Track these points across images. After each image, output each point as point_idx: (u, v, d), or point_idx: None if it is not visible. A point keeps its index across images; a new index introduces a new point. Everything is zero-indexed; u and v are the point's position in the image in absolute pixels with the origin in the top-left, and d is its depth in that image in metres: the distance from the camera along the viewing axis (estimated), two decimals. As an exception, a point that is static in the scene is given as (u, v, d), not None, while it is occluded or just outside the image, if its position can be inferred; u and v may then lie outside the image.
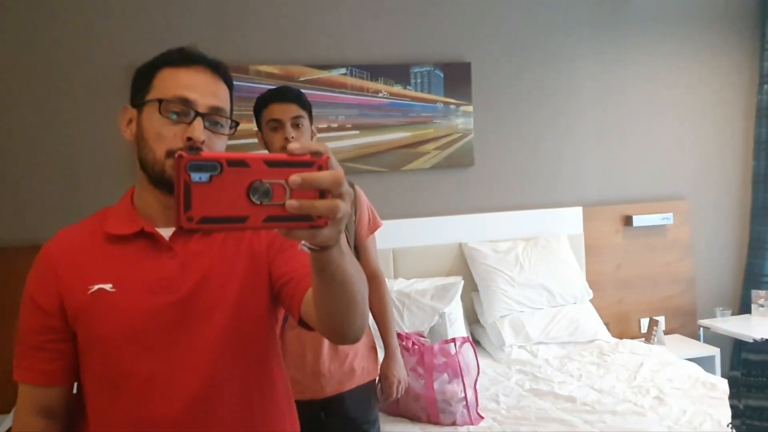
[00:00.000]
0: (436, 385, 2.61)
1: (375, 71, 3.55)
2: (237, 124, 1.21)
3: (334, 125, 3.49)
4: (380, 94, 3.56)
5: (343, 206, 0.76)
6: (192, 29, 3.34)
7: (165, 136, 1.13)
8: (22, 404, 1.22)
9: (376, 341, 2.26)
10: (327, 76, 3.48)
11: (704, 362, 3.49)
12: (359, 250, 2.21)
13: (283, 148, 0.74)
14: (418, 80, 3.61)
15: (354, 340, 1.08)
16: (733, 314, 4.04)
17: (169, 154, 1.13)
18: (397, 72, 3.58)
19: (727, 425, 2.07)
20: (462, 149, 3.69)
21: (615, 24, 3.94)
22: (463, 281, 3.47)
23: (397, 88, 3.58)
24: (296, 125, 2.00)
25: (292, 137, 1.99)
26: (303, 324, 1.15)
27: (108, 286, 1.16)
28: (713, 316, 4.01)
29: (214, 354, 1.16)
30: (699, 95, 4.11)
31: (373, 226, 2.23)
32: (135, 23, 3.28)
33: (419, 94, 3.61)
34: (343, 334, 1.06)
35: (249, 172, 0.74)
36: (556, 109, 3.88)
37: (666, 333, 3.91)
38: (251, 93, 3.39)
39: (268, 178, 0.74)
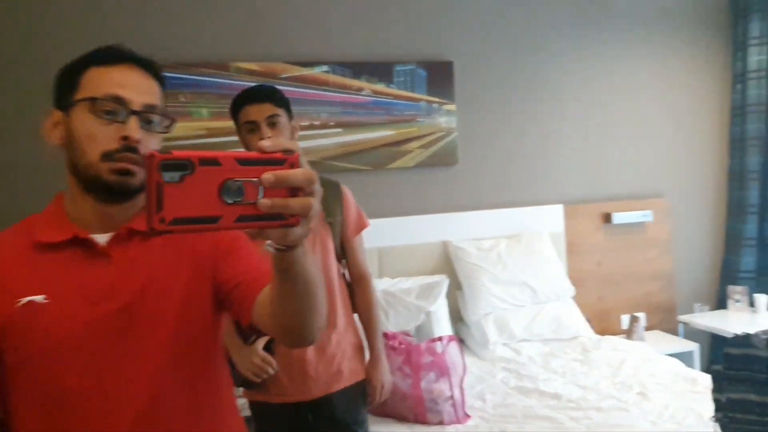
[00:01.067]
0: (423, 384, 2.61)
1: (358, 69, 3.53)
2: (172, 121, 1.18)
3: (317, 123, 3.47)
4: (363, 92, 3.55)
5: (316, 204, 0.76)
6: (170, 26, 3.30)
7: (98, 137, 1.08)
8: None
9: (360, 336, 2.25)
10: (309, 73, 3.46)
11: (684, 357, 3.54)
12: (346, 251, 2.19)
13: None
14: (401, 78, 3.60)
15: (311, 342, 1.05)
16: (710, 310, 4.10)
17: (105, 156, 1.08)
18: (380, 70, 3.57)
19: (710, 418, 2.10)
20: (445, 148, 3.70)
21: (596, 24, 3.98)
22: (447, 279, 3.47)
23: (380, 86, 3.57)
24: (272, 124, 1.96)
25: (269, 137, 1.96)
26: (253, 329, 1.12)
27: (40, 298, 1.08)
28: (692, 311, 4.07)
29: (161, 364, 1.12)
30: (677, 94, 4.16)
31: (360, 226, 2.21)
32: (108, 21, 3.23)
33: (402, 93, 3.61)
34: (302, 336, 1.03)
35: (221, 170, 0.73)
36: (538, 107, 3.90)
37: (646, 329, 3.96)
38: (232, 90, 3.35)
39: (241, 177, 0.73)
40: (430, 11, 3.68)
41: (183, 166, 0.72)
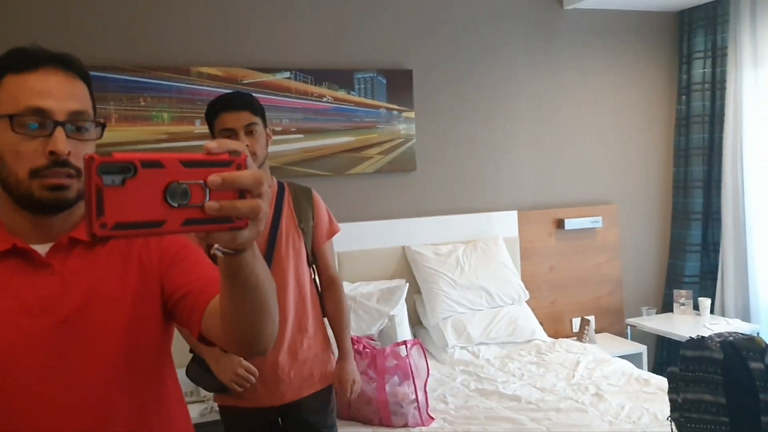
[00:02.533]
0: (387, 388, 2.64)
1: (319, 76, 3.55)
2: (104, 125, 1.12)
3: (278, 129, 3.46)
4: (324, 99, 3.57)
5: (264, 206, 0.74)
6: (130, 28, 3.25)
7: (24, 154, 1.01)
8: None
9: (330, 341, 2.27)
10: (271, 79, 3.46)
11: (632, 359, 3.67)
12: (316, 256, 2.21)
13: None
14: (362, 86, 3.64)
15: (263, 352, 1.02)
16: (657, 313, 4.26)
17: (34, 173, 1.02)
18: (341, 77, 3.59)
19: (667, 418, 2.20)
20: (404, 154, 3.75)
21: (549, 35, 4.10)
22: (407, 284, 3.52)
23: (341, 93, 3.60)
24: (249, 132, 1.97)
25: (247, 145, 1.96)
26: (202, 340, 1.09)
27: None
28: (639, 314, 4.23)
29: (107, 378, 1.07)
30: (626, 105, 4.32)
31: (331, 231, 2.23)
32: (69, 23, 3.15)
33: (363, 100, 3.64)
34: (253, 345, 0.99)
35: (165, 173, 0.70)
36: (493, 116, 3.99)
37: (596, 331, 4.09)
38: (192, 95, 3.35)
39: (186, 179, 0.71)
40: (390, 21, 3.73)
41: (124, 168, 0.69)
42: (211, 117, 2.01)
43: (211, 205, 0.71)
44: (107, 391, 1.07)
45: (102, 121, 1.11)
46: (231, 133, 1.96)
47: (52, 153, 1.01)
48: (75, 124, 1.05)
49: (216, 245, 0.79)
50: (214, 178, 0.70)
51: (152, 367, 1.14)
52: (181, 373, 2.21)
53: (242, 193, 0.72)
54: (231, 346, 1.03)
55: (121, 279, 1.10)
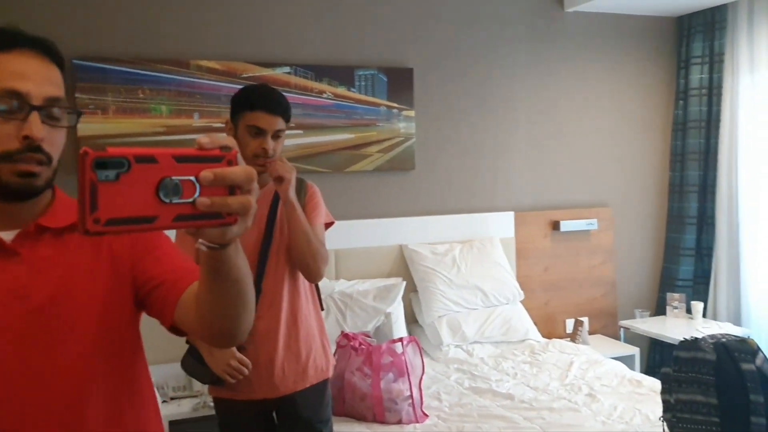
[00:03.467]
0: (382, 384, 2.66)
1: (320, 72, 3.56)
2: (79, 114, 1.10)
3: (278, 124, 3.46)
4: (324, 95, 3.58)
5: (254, 202, 0.75)
6: (129, 20, 3.24)
7: None
8: None
9: (329, 338, 2.27)
10: (271, 74, 3.47)
11: (625, 361, 3.69)
12: None
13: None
14: (363, 83, 3.65)
15: (238, 343, 1.03)
16: (650, 315, 4.29)
17: (4, 157, 0.99)
18: (342, 74, 3.60)
19: (659, 418, 2.22)
20: (404, 153, 3.76)
21: (550, 39, 4.11)
22: (404, 282, 3.53)
23: (342, 90, 3.61)
24: (277, 137, 2.02)
25: (273, 149, 2.00)
26: (173, 330, 1.08)
27: None
28: (633, 317, 4.25)
29: (79, 369, 1.05)
30: (623, 109, 4.35)
31: (328, 223, 2.24)
32: (68, 15, 3.14)
33: (363, 97, 3.65)
34: (230, 335, 1.00)
35: (158, 168, 0.70)
36: (492, 117, 4.01)
37: (589, 333, 4.11)
38: (191, 88, 3.36)
39: (178, 175, 0.71)
40: (392, 19, 3.74)
41: (118, 163, 0.69)
42: (243, 108, 2.00)
43: (202, 201, 0.71)
44: (79, 383, 1.05)
45: (79, 110, 1.09)
46: (260, 132, 1.98)
47: (26, 138, 0.98)
48: (50, 111, 1.02)
49: (201, 240, 0.78)
50: (206, 174, 0.71)
51: (125, 359, 1.12)
52: (176, 367, 2.23)
53: (232, 189, 0.73)
54: (206, 337, 1.03)
55: (93, 268, 1.08)
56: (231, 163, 0.73)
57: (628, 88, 4.34)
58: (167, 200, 0.70)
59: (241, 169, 0.73)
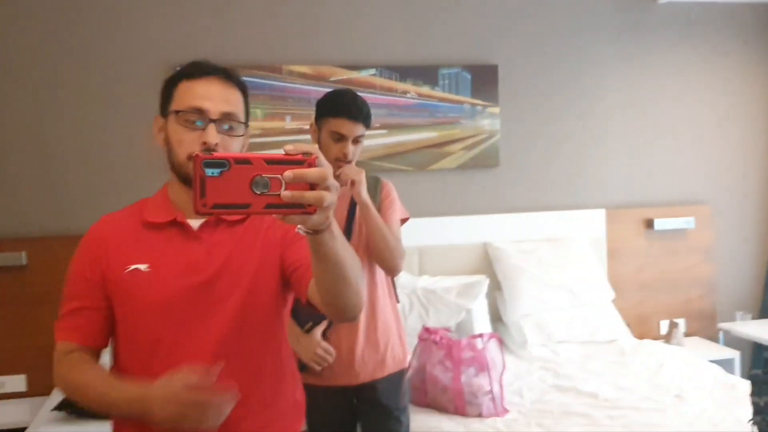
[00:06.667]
0: (463, 378, 2.69)
1: (404, 72, 3.63)
2: (246, 126, 1.38)
3: (364, 124, 3.56)
4: (408, 95, 3.65)
5: (329, 197, 0.92)
6: (227, 30, 3.44)
7: (185, 142, 1.31)
8: (57, 359, 1.35)
9: (404, 328, 2.34)
10: (357, 76, 3.57)
11: (724, 365, 3.52)
12: None
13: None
14: (446, 81, 3.69)
15: (351, 318, 1.25)
16: (753, 318, 4.07)
17: (190, 158, 1.28)
18: (426, 73, 3.66)
19: (748, 422, 2.13)
20: (488, 150, 3.77)
21: (641, 29, 4.00)
22: (487, 280, 3.54)
23: (425, 89, 3.66)
24: (356, 142, 2.13)
25: (352, 154, 2.11)
26: (309, 305, 1.31)
27: (143, 267, 1.33)
28: (733, 319, 4.05)
29: (227, 329, 1.32)
30: (722, 102, 4.15)
31: (404, 219, 2.31)
32: (172, 24, 3.38)
33: (446, 95, 3.69)
34: (340, 309, 1.21)
35: (252, 168, 0.90)
36: (581, 111, 3.94)
37: (686, 335, 3.96)
38: (284, 92, 3.51)
39: (267, 173, 0.90)
40: (475, 16, 3.76)
41: (222, 164, 0.90)
42: (327, 113, 2.11)
43: (285, 193, 0.90)
44: (225, 342, 1.32)
45: (247, 122, 1.38)
46: (341, 137, 2.09)
47: (204, 143, 1.29)
48: (225, 122, 1.32)
49: (299, 226, 0.97)
50: (288, 173, 0.90)
51: (265, 327, 1.38)
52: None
53: (312, 186, 0.91)
54: (326, 310, 1.25)
55: (250, 252, 1.36)
56: (311, 165, 0.92)
57: (727, 80, 4.14)
58: (258, 192, 0.90)
59: (316, 171, 0.91)
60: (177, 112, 1.32)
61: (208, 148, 1.28)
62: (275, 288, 1.38)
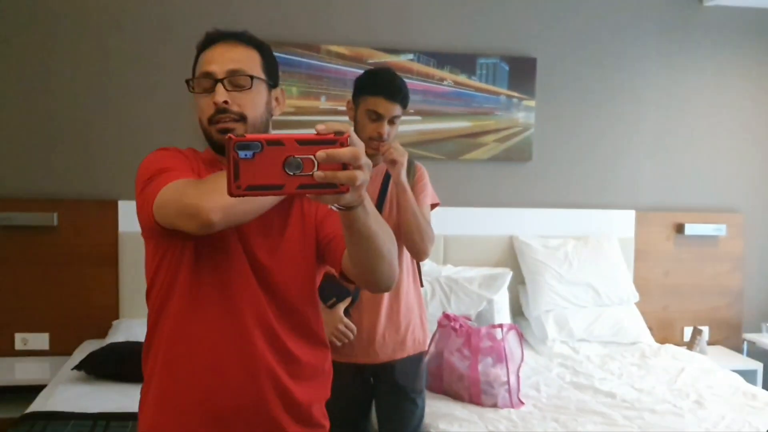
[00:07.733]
0: (480, 367, 2.69)
1: (442, 59, 3.62)
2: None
3: (398, 110, 3.56)
4: (445, 82, 3.63)
5: (362, 176, 0.92)
6: (267, 5, 3.46)
7: (202, 107, 1.35)
8: (173, 186, 1.26)
9: (425, 311, 2.35)
10: (394, 60, 3.57)
11: (745, 376, 3.46)
12: None
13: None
14: (483, 71, 3.67)
15: (385, 289, 1.29)
16: (780, 331, 4.00)
17: (209, 121, 1.33)
18: (464, 61, 3.64)
19: (768, 431, 2.11)
20: (521, 143, 3.74)
21: (685, 30, 3.93)
22: (511, 273, 3.53)
23: (462, 78, 3.65)
24: (392, 122, 2.11)
25: (387, 134, 2.10)
26: (343, 277, 1.34)
27: None
28: (759, 330, 3.99)
29: (263, 302, 1.35)
30: (759, 108, 4.07)
31: (434, 204, 2.31)
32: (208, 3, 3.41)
33: (483, 85, 3.67)
34: (374, 281, 1.25)
35: (284, 149, 0.90)
36: (617, 110, 3.90)
37: (709, 344, 3.91)
38: (320, 72, 3.52)
39: (300, 154, 0.90)
40: (516, 7, 3.73)
41: (254, 146, 0.90)
42: (365, 91, 2.11)
43: (318, 174, 0.90)
44: (261, 317, 1.34)
45: (252, 75, 1.35)
46: (377, 116, 2.08)
47: (215, 104, 1.31)
48: (233, 80, 1.32)
49: (330, 204, 0.99)
50: (321, 153, 0.90)
51: (307, 290, 1.41)
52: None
53: (345, 165, 0.91)
54: (359, 282, 1.31)
55: (285, 222, 1.38)
56: (343, 145, 0.91)
57: (764, 85, 4.05)
58: (291, 173, 0.90)
59: (348, 150, 0.90)
60: (189, 81, 1.38)
61: (221, 109, 1.31)
62: (312, 257, 1.41)
